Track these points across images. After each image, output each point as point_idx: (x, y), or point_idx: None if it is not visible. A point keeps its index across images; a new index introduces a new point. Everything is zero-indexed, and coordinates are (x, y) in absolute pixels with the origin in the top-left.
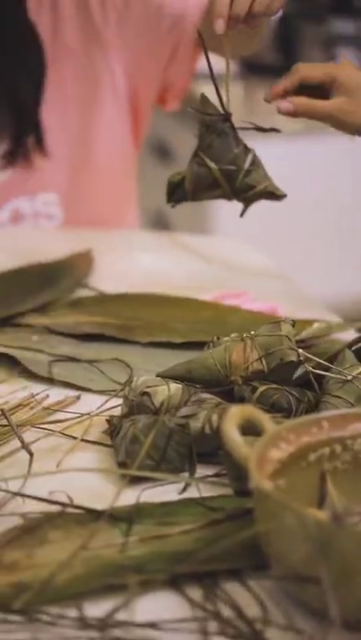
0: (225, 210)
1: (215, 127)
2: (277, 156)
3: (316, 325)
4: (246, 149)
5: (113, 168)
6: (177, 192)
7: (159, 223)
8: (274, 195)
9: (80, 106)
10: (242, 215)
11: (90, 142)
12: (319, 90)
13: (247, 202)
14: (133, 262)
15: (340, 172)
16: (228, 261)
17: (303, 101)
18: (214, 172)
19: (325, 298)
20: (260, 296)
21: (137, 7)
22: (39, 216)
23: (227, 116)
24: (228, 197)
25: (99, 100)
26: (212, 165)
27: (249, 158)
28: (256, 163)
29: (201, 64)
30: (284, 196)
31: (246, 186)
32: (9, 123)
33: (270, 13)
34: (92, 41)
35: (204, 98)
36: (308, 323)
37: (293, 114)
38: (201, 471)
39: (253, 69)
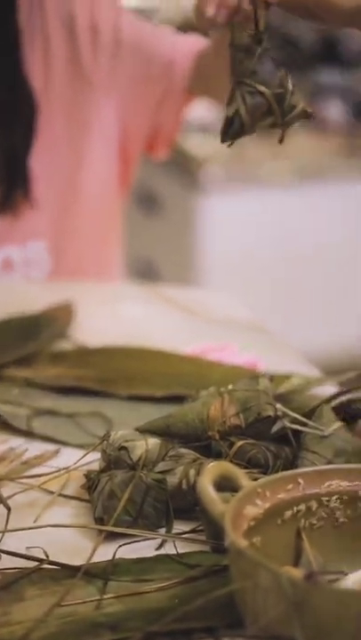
0: (212, 261)
1: (254, 50)
2: (263, 208)
3: (295, 380)
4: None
5: (100, 214)
6: (230, 130)
7: (147, 274)
8: (307, 113)
9: (69, 152)
10: (281, 141)
11: (77, 189)
12: None
13: (287, 125)
14: (116, 314)
15: (327, 226)
16: (212, 314)
17: None
18: (268, 97)
19: (307, 351)
20: (243, 349)
21: (128, 53)
22: (30, 263)
23: (261, 37)
24: (279, 124)
25: (87, 145)
26: (266, 90)
27: (289, 77)
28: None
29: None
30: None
31: (290, 107)
32: (0, 172)
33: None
34: (82, 85)
35: (232, 25)
36: (288, 377)
37: None
38: (178, 527)
39: None
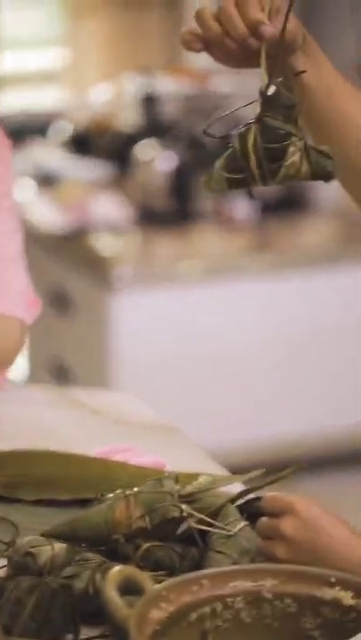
0: (124, 360)
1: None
2: (174, 306)
3: (201, 479)
4: None
5: None
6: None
7: (59, 374)
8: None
9: None
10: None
11: None
12: None
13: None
14: (22, 417)
15: (239, 323)
16: (119, 415)
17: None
18: None
19: (217, 451)
20: (149, 450)
21: None
22: None
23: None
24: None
25: None
26: None
27: None
28: None
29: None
30: None
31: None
32: None
33: None
34: None
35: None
36: (194, 476)
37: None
38: (86, 632)
39: (148, 217)
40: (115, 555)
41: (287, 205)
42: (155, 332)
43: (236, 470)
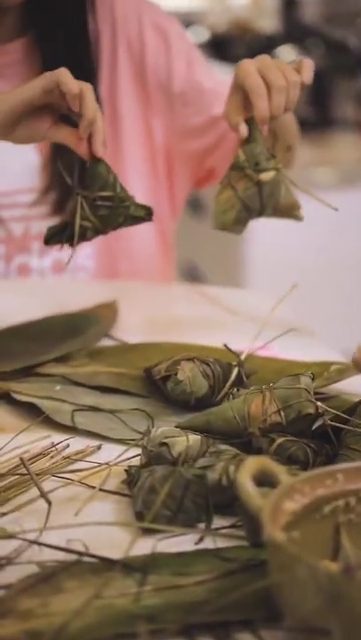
0: (257, 263)
1: None
2: (308, 211)
3: (333, 368)
4: None
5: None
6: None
7: (193, 276)
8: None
9: (115, 162)
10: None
11: None
12: None
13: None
14: (159, 314)
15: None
16: (255, 314)
17: None
18: None
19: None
20: (284, 350)
21: (181, 107)
22: (77, 268)
23: None
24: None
25: (137, 156)
26: None
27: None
28: None
29: None
30: None
31: None
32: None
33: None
34: (142, 105)
35: None
36: (326, 365)
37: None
38: (218, 522)
39: None
40: (248, 448)
41: None
42: (288, 235)
43: None
